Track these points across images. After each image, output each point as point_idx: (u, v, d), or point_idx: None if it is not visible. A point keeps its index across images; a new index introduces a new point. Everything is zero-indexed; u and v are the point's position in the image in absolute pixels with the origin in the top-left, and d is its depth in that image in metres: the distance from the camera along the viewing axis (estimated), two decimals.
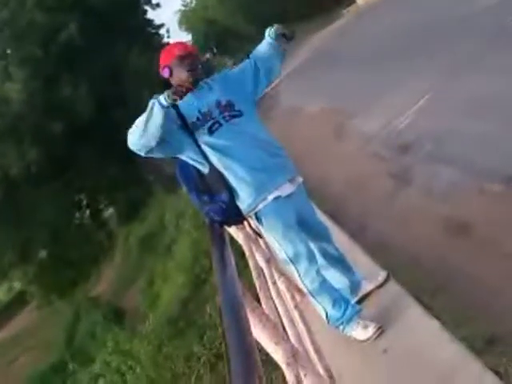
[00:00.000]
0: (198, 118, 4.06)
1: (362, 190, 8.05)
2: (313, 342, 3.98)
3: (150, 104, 3.76)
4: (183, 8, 66.00)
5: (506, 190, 5.56)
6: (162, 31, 30.65)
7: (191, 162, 4.15)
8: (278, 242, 4.23)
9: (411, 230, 6.10)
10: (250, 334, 2.04)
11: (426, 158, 7.56)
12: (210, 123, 4.04)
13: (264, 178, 4.08)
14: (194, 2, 64.21)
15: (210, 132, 4.05)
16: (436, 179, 6.85)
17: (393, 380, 3.75)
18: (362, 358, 4.09)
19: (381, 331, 4.10)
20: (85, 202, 29.36)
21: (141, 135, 3.86)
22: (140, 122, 3.85)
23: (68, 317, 23.03)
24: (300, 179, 4.31)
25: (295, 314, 4.27)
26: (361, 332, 4.15)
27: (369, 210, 7.29)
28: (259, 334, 2.95)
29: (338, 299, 4.25)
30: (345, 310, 4.20)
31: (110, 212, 30.88)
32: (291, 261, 4.22)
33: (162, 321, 11.71)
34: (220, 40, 60.66)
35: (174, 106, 3.96)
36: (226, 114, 4.10)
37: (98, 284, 24.91)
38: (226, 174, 4.05)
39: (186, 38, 70.74)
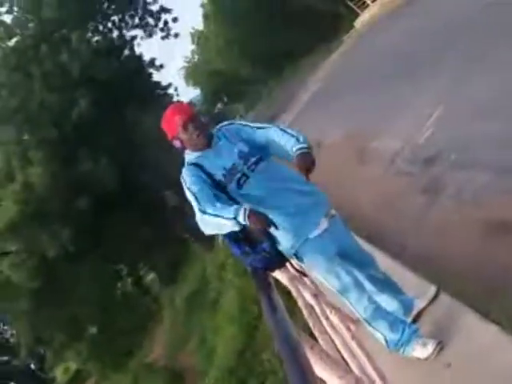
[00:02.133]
0: (224, 175, 4.13)
1: (395, 210, 7.99)
2: (376, 370, 3.95)
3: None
4: (186, 64, 66.69)
5: None
6: (171, 90, 30.91)
7: None
8: (324, 277, 4.28)
9: (452, 239, 6.04)
10: (313, 372, 2.04)
11: (452, 167, 7.50)
12: (237, 177, 4.13)
13: (301, 221, 4.13)
14: (196, 57, 64.87)
15: (239, 186, 4.13)
16: (466, 185, 6.79)
17: None
18: (427, 376, 4.04)
19: (441, 346, 4.04)
20: (125, 272, 29.44)
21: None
22: (214, 225, 4.03)
23: None
24: (333, 211, 4.33)
25: (353, 345, 4.25)
26: (421, 351, 4.10)
27: (406, 228, 7.22)
28: (321, 370, 2.95)
29: (394, 322, 4.23)
30: (402, 332, 4.18)
31: (151, 277, 30.95)
32: (340, 293, 4.24)
33: (221, 375, 11.66)
34: (228, 88, 61.13)
35: (200, 166, 4.16)
36: (250, 163, 4.16)
37: (151, 349, 24.83)
38: (268, 211, 4.00)
39: (193, 93, 71.66)
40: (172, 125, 4.16)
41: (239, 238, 4.15)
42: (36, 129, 23.77)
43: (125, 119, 24.81)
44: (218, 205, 4.01)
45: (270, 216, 3.93)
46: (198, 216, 4.07)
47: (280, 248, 4.18)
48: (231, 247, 4.28)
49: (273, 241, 4.15)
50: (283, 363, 2.14)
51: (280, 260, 4.23)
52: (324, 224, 4.18)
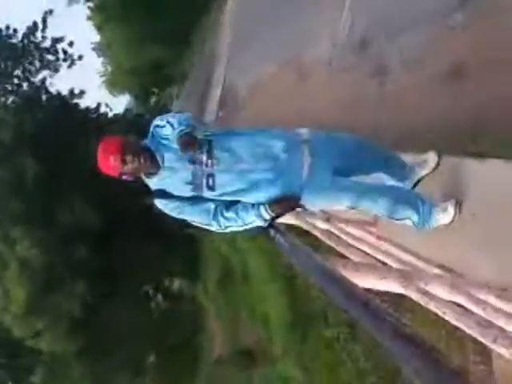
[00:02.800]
0: (192, 189, 3.95)
1: (354, 103, 8.06)
2: (412, 254, 4.00)
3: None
4: (103, 78, 65.94)
5: (464, 17, 5.66)
6: (103, 108, 30.58)
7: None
8: (334, 205, 4.29)
9: (418, 104, 6.13)
10: (355, 286, 2.06)
11: (385, 41, 7.61)
12: (204, 183, 3.92)
13: (287, 177, 3.96)
14: (108, 66, 64.09)
15: (211, 188, 3.95)
16: (405, 52, 6.90)
17: (500, 230, 3.77)
18: (459, 234, 4.09)
19: (460, 202, 4.11)
20: (151, 291, 29.47)
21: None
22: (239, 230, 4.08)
23: None
24: (305, 135, 4.13)
25: (381, 244, 4.29)
26: (444, 216, 4.13)
27: (372, 114, 7.30)
28: (364, 280, 2.97)
29: (411, 204, 4.18)
30: (422, 209, 4.15)
31: (177, 283, 30.99)
32: (353, 207, 4.19)
33: (285, 334, 11.75)
34: (151, 79, 60.49)
35: (161, 193, 4.04)
36: (205, 158, 3.91)
37: (212, 345, 24.95)
38: (253, 198, 3.97)
39: (125, 99, 70.86)
40: (110, 167, 3.87)
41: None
42: (4, 208, 23.61)
43: (75, 155, 24.59)
44: (231, 215, 3.98)
45: (261, 196, 3.91)
46: (219, 230, 4.06)
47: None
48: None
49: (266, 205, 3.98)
50: (325, 292, 2.16)
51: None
52: (307, 160, 3.99)
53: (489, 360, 4.13)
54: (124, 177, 3.96)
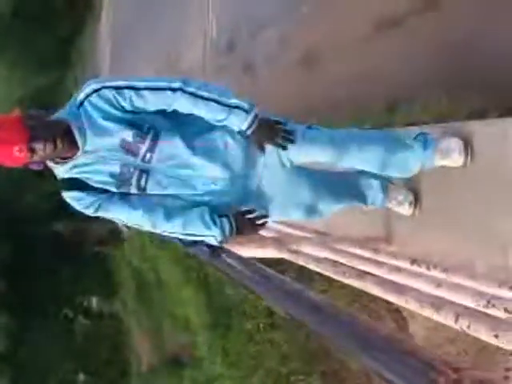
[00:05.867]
0: (117, 185, 3.20)
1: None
2: (289, 226, 4.22)
3: None
4: None
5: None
6: None
7: None
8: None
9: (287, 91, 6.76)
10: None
11: (249, 37, 8.33)
12: (134, 180, 3.17)
13: (239, 186, 3.40)
14: None
15: (141, 189, 3.22)
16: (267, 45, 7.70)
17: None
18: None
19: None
20: (71, 313, 29.02)
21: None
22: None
23: None
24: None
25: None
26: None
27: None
28: (246, 252, 3.38)
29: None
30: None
31: (95, 300, 30.61)
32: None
33: (208, 335, 11.85)
34: (41, 104, 58.75)
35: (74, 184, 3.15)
36: (143, 150, 3.11)
37: (140, 358, 24.80)
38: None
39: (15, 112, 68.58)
40: (12, 159, 2.89)
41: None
42: None
43: None
44: (177, 221, 3.27)
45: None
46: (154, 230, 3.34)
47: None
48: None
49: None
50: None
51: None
52: (259, 164, 3.39)
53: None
54: (31, 166, 3.01)
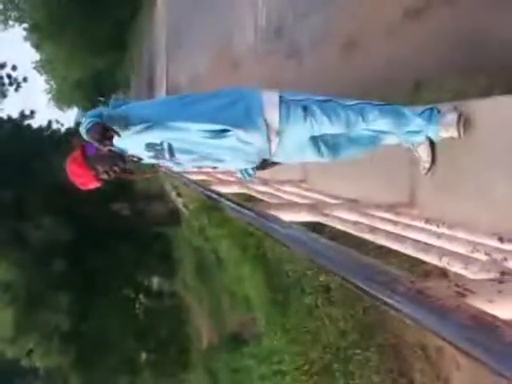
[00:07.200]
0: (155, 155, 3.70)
1: (281, 82, 8.81)
2: (327, 195, 4.50)
3: None
4: (49, 95, 64.65)
5: None
6: (54, 125, 30.42)
7: None
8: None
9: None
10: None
11: (295, 25, 9.04)
12: (165, 147, 3.64)
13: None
14: (52, 83, 62.92)
15: (173, 154, 3.70)
16: (314, 32, 8.30)
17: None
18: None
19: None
20: (133, 292, 29.42)
21: None
22: None
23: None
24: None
25: (309, 193, 4.78)
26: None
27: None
28: (285, 216, 3.78)
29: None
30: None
31: (156, 280, 30.99)
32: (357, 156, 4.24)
33: (266, 311, 12.02)
34: (97, 88, 59.56)
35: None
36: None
37: (200, 336, 24.98)
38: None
39: (73, 114, 69.56)
40: (93, 188, 3.93)
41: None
42: None
43: (35, 176, 24.45)
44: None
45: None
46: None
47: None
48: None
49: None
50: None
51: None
52: (274, 140, 3.73)
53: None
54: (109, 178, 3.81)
